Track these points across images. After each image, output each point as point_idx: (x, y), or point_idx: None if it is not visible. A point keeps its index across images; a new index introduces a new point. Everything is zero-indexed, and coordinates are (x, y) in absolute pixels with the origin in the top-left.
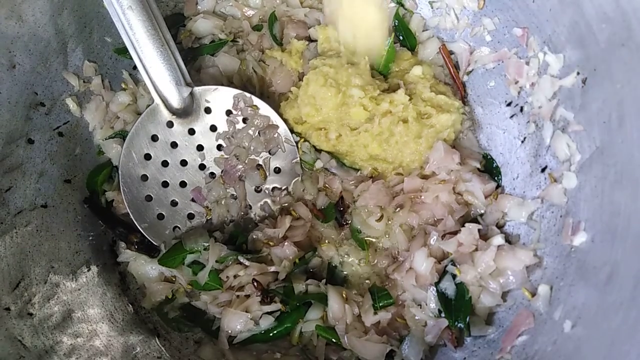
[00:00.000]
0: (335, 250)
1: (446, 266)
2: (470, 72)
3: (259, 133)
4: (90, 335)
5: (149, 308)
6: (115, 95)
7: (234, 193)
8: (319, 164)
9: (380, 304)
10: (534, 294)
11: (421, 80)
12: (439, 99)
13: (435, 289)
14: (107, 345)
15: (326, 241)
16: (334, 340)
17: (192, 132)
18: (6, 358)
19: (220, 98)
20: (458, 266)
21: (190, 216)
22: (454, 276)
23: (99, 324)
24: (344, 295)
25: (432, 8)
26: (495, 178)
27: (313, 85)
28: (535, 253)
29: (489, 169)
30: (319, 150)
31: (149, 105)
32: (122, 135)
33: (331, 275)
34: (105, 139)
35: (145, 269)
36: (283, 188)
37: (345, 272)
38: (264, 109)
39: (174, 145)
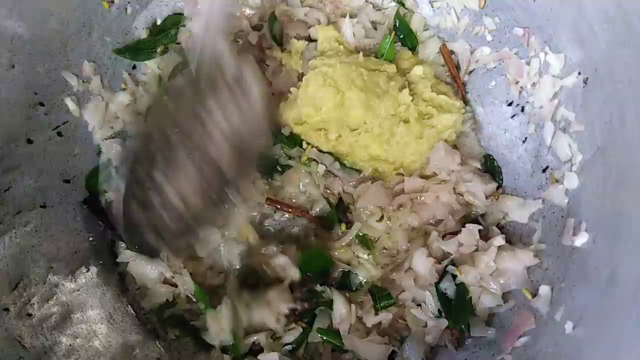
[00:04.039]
0: (352, 253)
1: (446, 266)
2: (471, 71)
3: None
4: (90, 336)
5: (148, 309)
6: (114, 95)
7: None
8: (321, 168)
9: (382, 304)
10: (534, 295)
11: (422, 80)
12: (440, 99)
13: (435, 289)
14: (106, 346)
15: (340, 249)
16: (337, 344)
17: None
18: (5, 358)
19: None
20: (458, 267)
21: None
22: (454, 276)
23: (98, 324)
24: (348, 296)
25: (432, 7)
26: (497, 178)
27: (312, 85)
28: (536, 254)
29: (490, 169)
30: (321, 152)
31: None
32: (122, 136)
33: (346, 279)
34: (105, 139)
35: (145, 269)
36: None
37: (360, 277)
38: None
39: None
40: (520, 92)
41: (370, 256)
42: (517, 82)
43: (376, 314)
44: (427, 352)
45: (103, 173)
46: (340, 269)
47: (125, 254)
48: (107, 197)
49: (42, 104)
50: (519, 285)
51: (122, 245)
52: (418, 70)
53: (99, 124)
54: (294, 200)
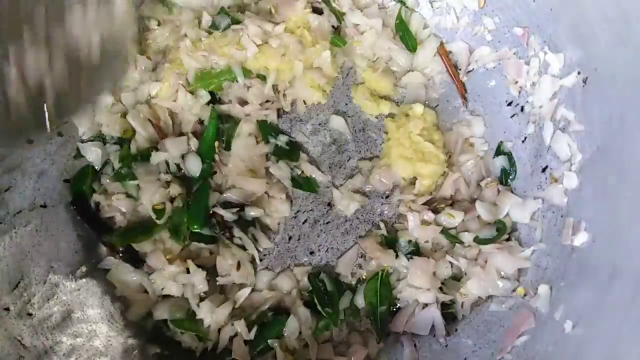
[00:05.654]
0: None
1: None
2: (471, 71)
3: None
4: (90, 336)
5: (131, 320)
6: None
7: None
8: None
9: None
10: (533, 294)
11: (415, 120)
12: (425, 145)
13: None
14: (107, 346)
15: None
16: None
17: None
18: (6, 358)
19: None
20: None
21: None
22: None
23: (98, 324)
24: None
25: (432, 7)
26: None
27: None
28: (535, 253)
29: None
30: None
31: None
32: (101, 139)
33: None
34: (83, 142)
35: (127, 278)
36: None
37: None
38: None
39: None
40: (519, 92)
41: None
42: (516, 82)
43: None
44: None
45: (90, 175)
46: None
47: (108, 261)
48: (95, 198)
49: None
50: (517, 285)
51: (104, 249)
52: (418, 109)
53: (89, 129)
54: None
